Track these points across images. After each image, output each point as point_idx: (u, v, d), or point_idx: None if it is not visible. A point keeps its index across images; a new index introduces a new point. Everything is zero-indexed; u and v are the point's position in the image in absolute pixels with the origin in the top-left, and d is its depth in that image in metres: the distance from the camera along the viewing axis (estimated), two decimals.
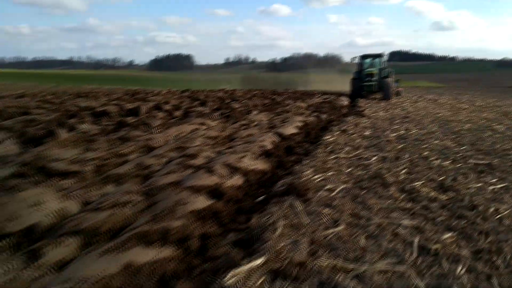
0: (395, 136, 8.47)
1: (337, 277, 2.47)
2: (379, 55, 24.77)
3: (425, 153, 6.62)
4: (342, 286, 2.38)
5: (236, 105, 12.98)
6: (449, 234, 3.22)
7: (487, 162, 6.01)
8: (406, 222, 3.46)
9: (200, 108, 11.35)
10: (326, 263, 2.65)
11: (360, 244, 3.00)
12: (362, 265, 2.65)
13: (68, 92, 22.68)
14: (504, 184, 4.80)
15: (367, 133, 8.82)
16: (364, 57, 24.82)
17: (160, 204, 3.32)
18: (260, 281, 2.42)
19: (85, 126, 6.68)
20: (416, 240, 3.08)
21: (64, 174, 3.93)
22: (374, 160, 5.95)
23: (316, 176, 4.82)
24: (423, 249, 2.96)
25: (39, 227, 2.83)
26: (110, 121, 7.72)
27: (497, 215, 3.69)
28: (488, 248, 3.01)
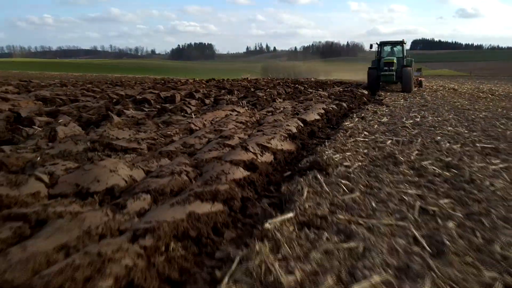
0: (411, 123, 9.05)
1: (351, 227, 3.17)
2: (399, 42, 22.77)
3: (438, 137, 7.20)
4: (355, 232, 3.07)
5: (261, 93, 13.71)
6: (447, 200, 3.88)
7: (494, 146, 6.57)
8: (411, 191, 4.13)
9: (228, 96, 12.14)
10: (342, 218, 3.36)
11: (371, 206, 3.69)
12: (371, 220, 3.34)
13: (103, 81, 23.70)
14: (505, 165, 5.38)
15: (384, 120, 9.42)
16: (382, 44, 22.91)
17: (208, 173, 4.08)
18: (291, 228, 3.14)
19: (131, 112, 7.52)
20: (418, 204, 3.75)
21: (126, 150, 4.74)
22: (389, 143, 6.59)
23: (336, 155, 5.51)
24: (423, 210, 3.63)
25: (118, 188, 3.61)
26: (151, 107, 8.56)
27: (492, 188, 4.31)
28: (478, 211, 3.65)
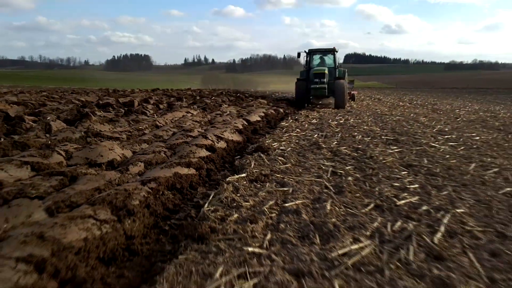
0: (335, 123, 10.90)
1: (285, 181, 4.72)
2: (330, 50, 19.26)
3: (354, 133, 9.03)
4: (287, 183, 4.62)
5: (207, 100, 15.21)
6: (351, 167, 5.56)
7: (396, 138, 8.47)
8: (327, 163, 5.78)
9: (178, 103, 13.52)
10: (279, 176, 4.90)
11: (299, 171, 5.27)
12: (298, 177, 4.92)
13: (54, 90, 23.88)
14: (399, 149, 7.21)
15: (314, 121, 11.23)
16: (311, 52, 19.44)
17: (180, 152, 5.47)
18: (244, 182, 4.63)
19: (101, 113, 8.68)
20: (331, 169, 5.38)
21: (111, 138, 5.99)
22: (316, 136, 8.30)
23: (274, 143, 7.10)
24: (334, 173, 5.26)
25: (116, 161, 4.91)
26: (116, 110, 9.73)
27: (383, 161, 6.06)
28: (370, 173, 5.33)
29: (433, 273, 2.65)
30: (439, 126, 11.15)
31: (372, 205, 4.06)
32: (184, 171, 4.68)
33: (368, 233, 3.32)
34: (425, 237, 3.23)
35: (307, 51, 19.29)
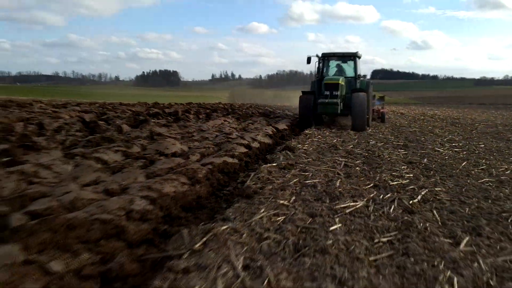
0: (354, 132, 12.25)
1: (306, 168, 6.15)
2: (351, 55, 14.99)
3: (369, 140, 10.36)
4: (308, 170, 6.05)
5: (240, 112, 16.85)
6: (360, 162, 6.95)
7: (405, 144, 9.77)
8: (341, 159, 7.18)
9: (215, 114, 15.19)
10: (302, 165, 6.35)
11: (318, 163, 6.70)
12: (317, 167, 6.34)
13: (103, 103, 25.91)
14: (406, 152, 8.52)
15: (334, 130, 12.61)
16: (326, 57, 15.24)
17: (225, 148, 7.00)
18: (275, 169, 6.09)
19: (155, 120, 10.36)
20: (343, 162, 6.79)
21: (170, 137, 7.58)
22: (334, 141, 9.70)
23: (298, 145, 8.56)
24: (345, 165, 6.66)
25: (178, 153, 6.47)
26: (165, 118, 11.43)
27: (388, 159, 7.41)
28: (375, 166, 6.70)
29: (404, 219, 4.01)
30: (450, 136, 12.31)
31: (371, 184, 5.43)
32: (229, 160, 6.18)
33: (364, 199, 4.70)
34: (404, 201, 4.60)
35: (319, 55, 15.04)
